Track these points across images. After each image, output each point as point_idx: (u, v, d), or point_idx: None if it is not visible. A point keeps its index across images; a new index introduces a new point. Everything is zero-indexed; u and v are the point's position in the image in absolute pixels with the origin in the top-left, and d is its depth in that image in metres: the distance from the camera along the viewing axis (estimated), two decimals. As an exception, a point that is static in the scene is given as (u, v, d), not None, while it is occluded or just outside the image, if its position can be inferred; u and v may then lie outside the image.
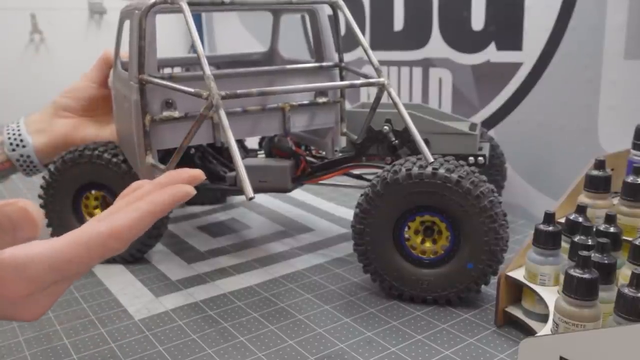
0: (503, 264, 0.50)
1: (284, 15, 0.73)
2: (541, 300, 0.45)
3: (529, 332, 0.46)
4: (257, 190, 0.52)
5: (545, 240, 0.46)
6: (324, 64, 0.59)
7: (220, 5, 0.52)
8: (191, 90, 0.47)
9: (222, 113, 0.44)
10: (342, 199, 0.86)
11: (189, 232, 0.75)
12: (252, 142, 0.75)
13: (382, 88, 0.53)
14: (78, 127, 0.70)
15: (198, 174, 0.40)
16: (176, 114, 0.52)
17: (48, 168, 0.62)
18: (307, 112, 0.58)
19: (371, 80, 0.53)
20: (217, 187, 0.68)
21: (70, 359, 0.46)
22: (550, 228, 0.45)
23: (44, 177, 0.62)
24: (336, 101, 0.59)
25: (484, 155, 0.62)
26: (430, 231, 0.53)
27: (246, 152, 0.74)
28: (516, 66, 0.73)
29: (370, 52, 0.55)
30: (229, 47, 1.26)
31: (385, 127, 0.62)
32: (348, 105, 0.65)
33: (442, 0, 0.79)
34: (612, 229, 0.43)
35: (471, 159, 0.61)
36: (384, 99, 0.55)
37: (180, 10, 0.49)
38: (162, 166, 0.52)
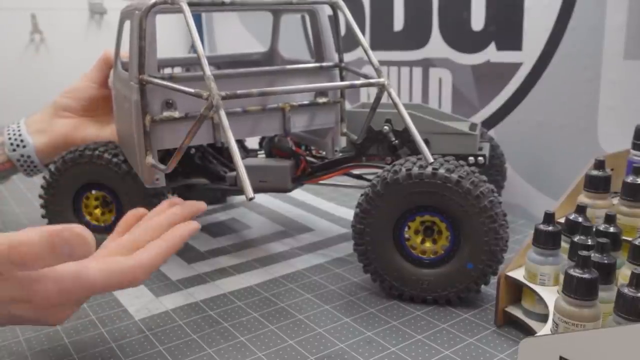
0: (503, 263, 0.50)
1: (284, 16, 0.73)
2: (541, 300, 0.45)
3: (529, 332, 0.46)
4: (257, 190, 0.52)
5: (545, 240, 0.46)
6: (324, 64, 0.59)
7: (220, 6, 0.52)
8: (191, 90, 0.47)
9: (223, 113, 0.44)
10: (342, 199, 0.86)
11: (189, 232, 0.75)
12: (252, 142, 0.75)
13: (382, 88, 0.53)
14: (78, 127, 0.70)
15: (202, 206, 0.51)
16: (176, 114, 0.52)
17: (48, 168, 0.62)
18: (307, 112, 0.58)
19: (371, 80, 0.53)
20: (217, 187, 0.68)
21: (70, 358, 0.46)
22: (550, 228, 0.45)
23: (44, 177, 0.62)
24: (336, 101, 0.59)
25: (484, 155, 0.62)
26: (430, 231, 0.53)
27: (246, 152, 0.74)
28: (516, 66, 0.73)
29: (370, 52, 0.55)
30: (229, 47, 1.26)
31: (385, 127, 0.62)
32: (348, 106, 0.65)
33: (442, 0, 0.79)
34: (611, 229, 0.43)
35: (471, 159, 0.61)
36: (384, 99, 0.55)
37: (180, 11, 0.49)
38: (162, 166, 0.52)
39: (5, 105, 1.43)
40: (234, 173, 0.66)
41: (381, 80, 0.52)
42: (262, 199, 0.86)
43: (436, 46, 0.82)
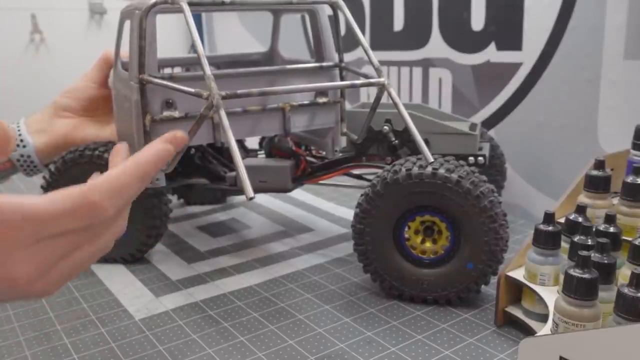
0: (503, 263, 0.50)
1: (284, 16, 0.73)
2: (541, 300, 0.45)
3: (529, 332, 0.46)
4: (257, 190, 0.52)
5: (545, 240, 0.46)
6: (324, 64, 0.59)
7: (220, 6, 0.52)
8: (192, 90, 0.47)
9: (223, 113, 0.44)
10: (342, 199, 0.86)
11: (189, 232, 0.75)
12: (252, 142, 0.75)
13: (382, 88, 0.53)
14: (78, 127, 0.70)
15: (180, 135, 0.42)
16: (176, 114, 0.52)
17: (48, 168, 0.62)
18: (307, 112, 0.58)
19: (371, 80, 0.53)
20: (217, 187, 0.68)
21: (70, 358, 0.46)
22: (550, 228, 0.45)
23: (44, 177, 0.62)
24: (336, 101, 0.59)
25: (484, 155, 0.62)
26: (430, 231, 0.53)
27: (246, 152, 0.74)
28: (516, 66, 0.73)
29: (370, 52, 0.55)
30: (229, 47, 1.26)
31: (385, 127, 0.62)
32: (348, 106, 0.65)
33: (442, 0, 0.79)
34: (611, 229, 0.43)
35: (471, 159, 0.62)
36: (384, 99, 0.55)
37: (180, 11, 0.49)
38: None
39: (5, 105, 1.43)
40: (233, 173, 0.66)
41: (381, 80, 0.52)
42: (262, 199, 0.86)
43: (436, 46, 0.82)
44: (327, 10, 0.60)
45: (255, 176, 0.63)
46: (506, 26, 0.73)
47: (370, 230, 0.52)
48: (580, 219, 0.46)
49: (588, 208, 0.47)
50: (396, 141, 0.62)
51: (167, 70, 0.72)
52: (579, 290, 0.37)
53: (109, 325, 0.51)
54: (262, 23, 0.81)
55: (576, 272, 0.37)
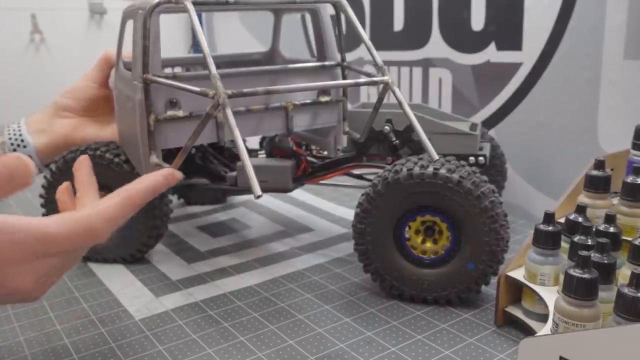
0: (503, 264, 0.50)
1: (284, 15, 0.73)
2: (541, 300, 0.45)
3: (529, 332, 0.46)
4: (258, 190, 0.52)
5: (545, 240, 0.46)
6: (327, 63, 0.59)
7: (225, 5, 0.52)
8: (197, 89, 0.47)
9: (229, 112, 0.44)
10: (342, 199, 0.86)
11: (189, 232, 0.75)
12: (252, 142, 0.75)
13: (385, 87, 0.53)
14: (78, 127, 0.70)
15: (179, 175, 0.46)
16: (180, 113, 0.52)
17: (49, 168, 0.62)
18: (309, 111, 0.58)
19: (375, 78, 0.53)
20: (218, 187, 0.68)
21: (70, 358, 0.46)
22: (550, 228, 0.45)
23: (45, 177, 0.62)
24: (338, 100, 0.59)
25: (484, 156, 0.62)
26: (431, 231, 0.53)
27: (247, 152, 0.74)
28: (516, 66, 0.73)
29: (373, 50, 0.54)
30: (229, 47, 1.26)
31: (386, 127, 0.62)
32: (349, 106, 0.65)
33: (442, 0, 0.79)
34: (611, 229, 0.43)
35: (472, 159, 0.62)
36: (385, 98, 0.55)
37: (184, 10, 0.49)
38: (166, 165, 0.52)
39: (5, 105, 1.43)
40: (234, 173, 0.66)
41: (385, 78, 0.52)
42: (262, 199, 0.86)
43: (436, 46, 0.82)
44: (329, 9, 0.60)
45: (256, 176, 0.63)
46: (506, 26, 0.73)
47: (371, 230, 0.52)
48: (580, 219, 0.46)
49: (588, 208, 0.47)
50: (397, 141, 0.62)
51: (168, 70, 0.72)
52: (579, 290, 0.37)
53: (109, 325, 0.51)
54: (263, 23, 0.81)
55: (576, 272, 0.37)
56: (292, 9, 0.69)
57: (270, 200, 0.86)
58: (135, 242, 0.62)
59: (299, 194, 0.88)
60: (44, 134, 0.69)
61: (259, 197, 0.42)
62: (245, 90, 0.47)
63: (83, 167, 0.47)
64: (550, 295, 0.44)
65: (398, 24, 0.86)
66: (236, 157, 0.70)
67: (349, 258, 0.64)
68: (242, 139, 0.44)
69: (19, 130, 0.69)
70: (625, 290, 0.35)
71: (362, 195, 0.53)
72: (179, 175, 0.46)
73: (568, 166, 0.69)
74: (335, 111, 0.60)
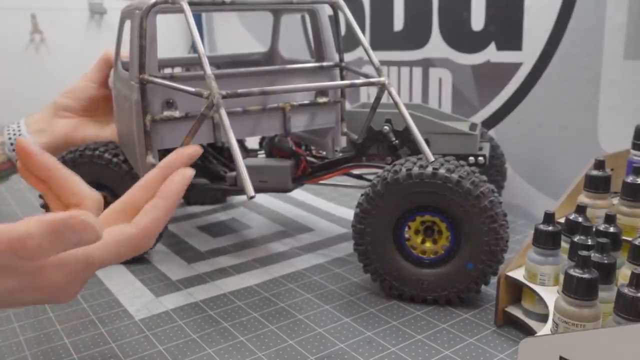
0: (503, 264, 0.50)
1: (284, 16, 0.73)
2: (541, 300, 0.45)
3: (529, 332, 0.46)
4: (257, 190, 0.52)
5: (545, 240, 0.46)
6: (325, 63, 0.59)
7: (220, 5, 0.52)
8: (192, 89, 0.47)
9: (223, 112, 0.44)
10: (342, 199, 0.86)
11: (189, 232, 0.75)
12: (252, 142, 0.75)
13: (382, 87, 0.53)
14: (78, 127, 0.70)
15: (194, 150, 0.43)
16: (177, 113, 0.52)
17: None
18: (307, 112, 0.58)
19: (372, 79, 0.53)
20: (217, 187, 0.68)
21: (70, 358, 0.46)
22: (550, 228, 0.45)
23: (44, 177, 0.62)
24: (337, 101, 0.59)
25: (484, 155, 0.62)
26: (430, 231, 0.53)
27: (246, 152, 0.74)
28: (516, 66, 0.73)
29: (371, 51, 0.55)
30: (229, 47, 1.26)
31: (386, 127, 0.62)
32: (348, 106, 0.65)
33: (442, 0, 0.79)
34: (611, 229, 0.43)
35: (471, 159, 0.62)
36: (384, 99, 0.55)
37: (180, 10, 0.49)
38: (162, 166, 0.52)
39: (5, 105, 1.43)
40: (234, 173, 0.66)
41: (382, 79, 0.52)
42: (262, 199, 0.86)
43: (436, 46, 0.82)
44: (327, 10, 0.60)
45: (256, 176, 0.63)
46: (506, 26, 0.73)
47: (371, 230, 0.52)
48: (580, 219, 0.46)
49: (588, 208, 0.47)
50: (396, 141, 0.62)
51: (167, 71, 0.72)
52: (579, 290, 0.37)
53: (109, 325, 0.51)
54: (262, 23, 0.81)
55: (576, 272, 0.37)
56: (289, 9, 0.69)
57: (270, 200, 0.86)
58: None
59: (298, 194, 0.88)
60: (44, 134, 0.69)
61: (252, 197, 0.42)
62: (239, 90, 0.47)
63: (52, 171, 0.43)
64: (550, 295, 0.44)
65: (398, 24, 0.86)
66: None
67: (349, 258, 0.64)
68: (239, 139, 0.44)
69: (19, 130, 0.69)
70: (625, 290, 0.35)
71: (362, 195, 0.53)
72: (195, 149, 0.43)
73: (568, 166, 0.69)
74: (333, 112, 0.60)
